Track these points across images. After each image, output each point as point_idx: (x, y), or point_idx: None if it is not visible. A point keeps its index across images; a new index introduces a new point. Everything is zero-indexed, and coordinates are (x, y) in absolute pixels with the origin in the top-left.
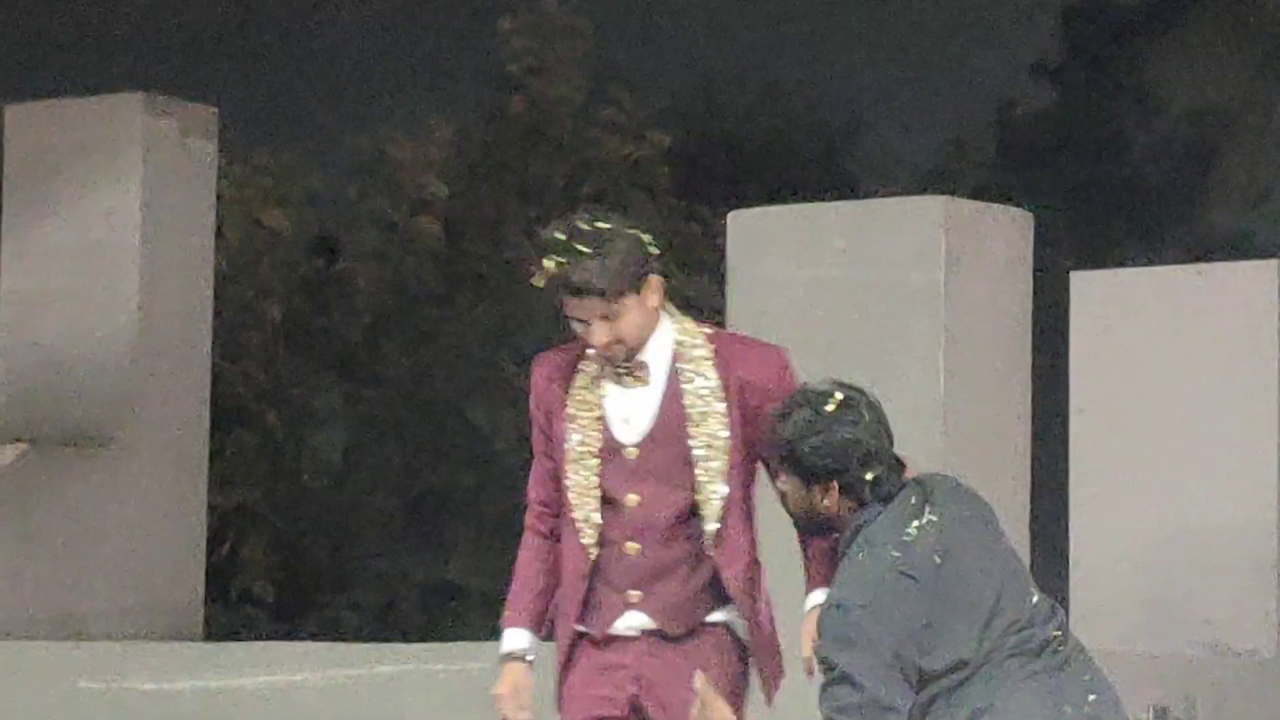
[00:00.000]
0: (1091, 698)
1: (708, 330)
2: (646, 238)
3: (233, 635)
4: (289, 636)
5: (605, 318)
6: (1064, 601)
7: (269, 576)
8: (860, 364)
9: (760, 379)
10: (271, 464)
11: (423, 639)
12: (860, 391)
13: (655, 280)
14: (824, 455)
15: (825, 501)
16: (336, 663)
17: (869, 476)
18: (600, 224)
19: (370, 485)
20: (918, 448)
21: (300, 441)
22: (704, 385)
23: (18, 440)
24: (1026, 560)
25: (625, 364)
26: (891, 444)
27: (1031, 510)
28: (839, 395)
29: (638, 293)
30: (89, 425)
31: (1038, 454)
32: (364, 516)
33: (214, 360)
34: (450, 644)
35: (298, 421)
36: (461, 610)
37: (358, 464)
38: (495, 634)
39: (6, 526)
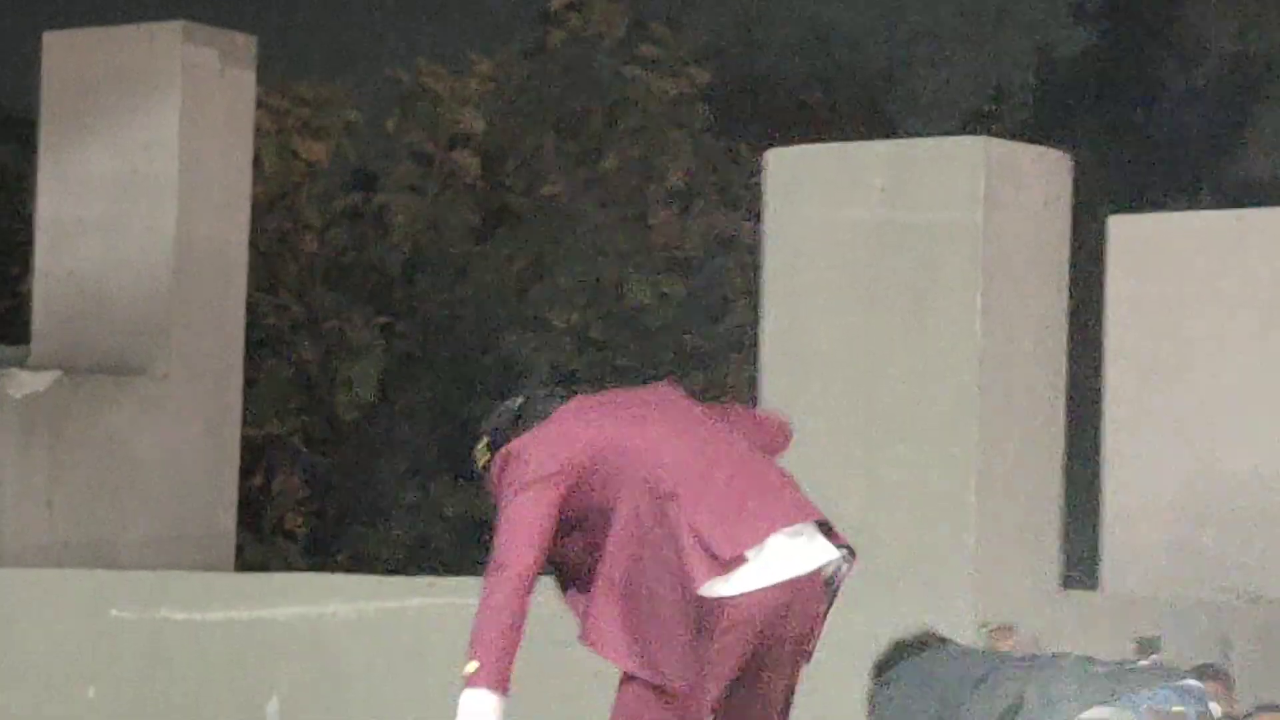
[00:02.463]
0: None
1: None
2: (480, 459)
3: (264, 567)
4: (321, 569)
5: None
6: (1096, 547)
7: (301, 509)
8: (896, 304)
9: None
10: (305, 396)
11: (454, 572)
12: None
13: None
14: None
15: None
16: (367, 595)
17: None
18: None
19: (403, 419)
20: (952, 389)
21: (334, 374)
22: None
23: (53, 368)
24: (1061, 507)
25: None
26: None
27: (1065, 455)
28: None
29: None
30: (124, 354)
31: (1072, 399)
32: (397, 450)
33: (249, 291)
34: (481, 578)
35: (332, 354)
36: (488, 543)
37: (391, 397)
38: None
39: (40, 454)
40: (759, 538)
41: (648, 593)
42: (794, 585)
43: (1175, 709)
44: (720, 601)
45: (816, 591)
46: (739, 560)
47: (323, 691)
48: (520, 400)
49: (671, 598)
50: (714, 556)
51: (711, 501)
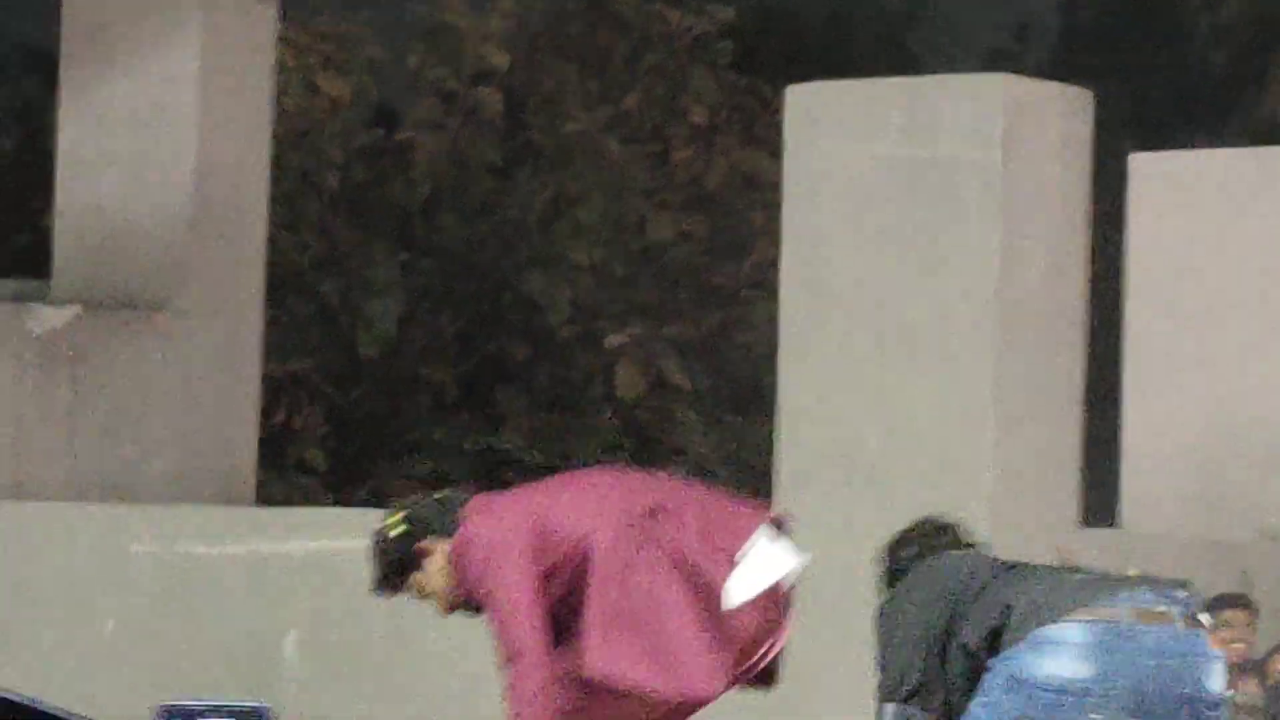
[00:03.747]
0: None
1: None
2: (394, 531)
3: (285, 503)
4: (341, 504)
5: (419, 597)
6: (1116, 486)
7: (322, 445)
8: (915, 241)
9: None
10: (326, 333)
11: None
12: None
13: (423, 546)
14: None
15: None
16: None
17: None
18: (375, 536)
19: (424, 355)
20: (970, 327)
21: (355, 311)
22: None
23: (74, 303)
24: (1080, 445)
25: (480, 612)
26: None
27: (1084, 393)
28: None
29: (418, 569)
30: (144, 290)
31: (1092, 337)
32: (417, 386)
33: (270, 227)
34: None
35: (353, 290)
36: (513, 480)
37: (412, 334)
38: None
39: (60, 389)
40: (747, 536)
41: (650, 610)
42: (774, 592)
43: (1159, 609)
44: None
45: (781, 600)
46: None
47: (341, 626)
48: (446, 494)
49: (683, 602)
50: (722, 550)
51: (696, 509)
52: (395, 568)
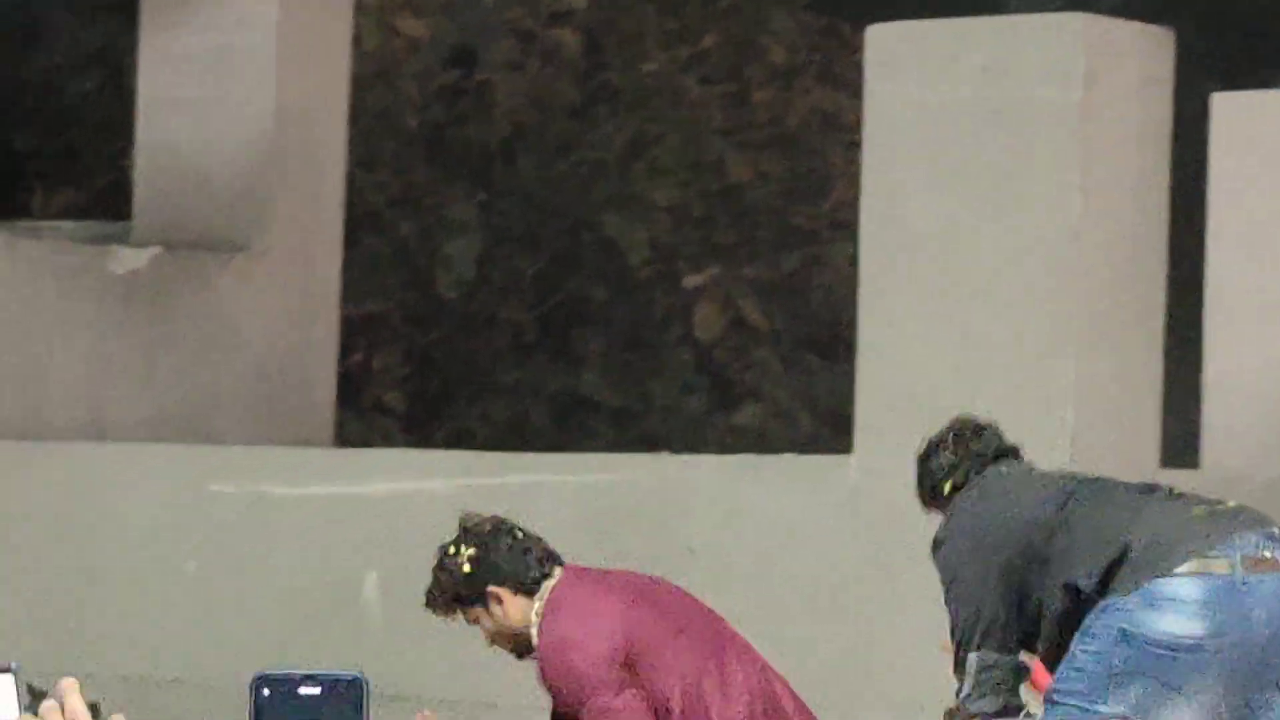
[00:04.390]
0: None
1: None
2: (467, 564)
3: (363, 443)
4: (419, 445)
5: (473, 622)
6: (1197, 424)
7: (400, 386)
8: (995, 184)
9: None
10: (404, 273)
11: (552, 449)
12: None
13: (493, 590)
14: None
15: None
16: (466, 472)
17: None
18: (443, 555)
19: (502, 296)
20: (1051, 270)
21: (433, 251)
22: None
23: (153, 244)
24: (1160, 383)
25: (521, 657)
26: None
27: (1166, 332)
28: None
29: (481, 605)
30: (223, 231)
31: (1172, 277)
32: (496, 327)
33: (348, 168)
34: (579, 455)
35: (431, 231)
36: (591, 422)
37: (490, 275)
38: (624, 446)
39: (140, 330)
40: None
41: None
42: None
43: (1265, 554)
44: None
45: None
46: None
47: (420, 568)
48: (524, 538)
49: None
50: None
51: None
52: (455, 599)
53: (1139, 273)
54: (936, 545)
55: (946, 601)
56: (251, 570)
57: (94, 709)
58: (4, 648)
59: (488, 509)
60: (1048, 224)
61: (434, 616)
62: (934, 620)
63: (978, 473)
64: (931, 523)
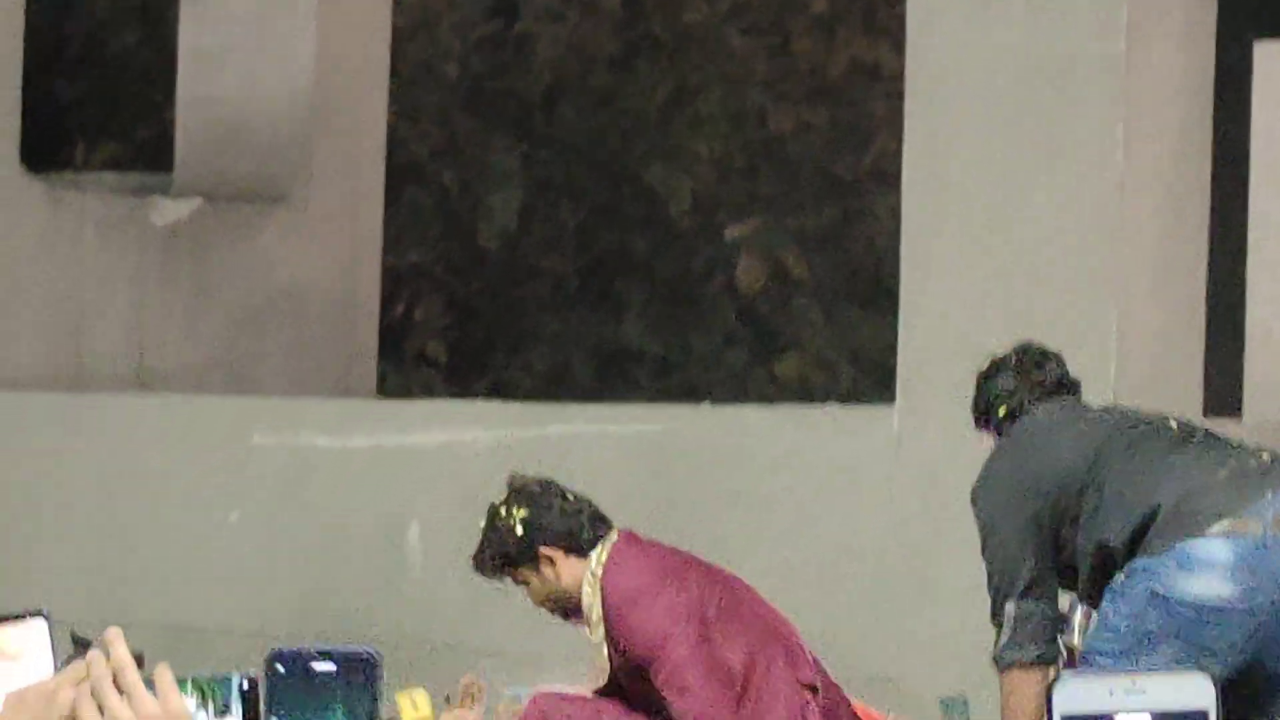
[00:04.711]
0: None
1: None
2: (519, 526)
3: (406, 394)
4: (461, 396)
5: (521, 583)
6: (1239, 371)
7: (442, 337)
8: (1037, 134)
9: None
10: (446, 224)
11: (593, 400)
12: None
13: (544, 552)
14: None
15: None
16: (508, 422)
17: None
18: (493, 516)
19: (544, 247)
20: (1092, 217)
21: (475, 202)
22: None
23: (195, 196)
24: (1203, 333)
25: (568, 618)
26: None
27: (1208, 282)
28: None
29: (531, 567)
30: (265, 182)
31: (1216, 226)
32: (537, 278)
33: (390, 118)
34: (621, 405)
35: (473, 182)
36: (632, 373)
37: (532, 226)
38: (665, 397)
39: (182, 281)
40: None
41: None
42: None
43: None
44: None
45: None
46: None
47: (463, 518)
48: (576, 502)
49: None
50: None
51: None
52: (505, 560)
53: (1181, 223)
54: (974, 497)
55: (983, 552)
56: (294, 521)
57: (138, 659)
58: (49, 598)
59: (529, 460)
60: (1090, 174)
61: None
62: (976, 568)
63: (1033, 402)
64: (972, 472)
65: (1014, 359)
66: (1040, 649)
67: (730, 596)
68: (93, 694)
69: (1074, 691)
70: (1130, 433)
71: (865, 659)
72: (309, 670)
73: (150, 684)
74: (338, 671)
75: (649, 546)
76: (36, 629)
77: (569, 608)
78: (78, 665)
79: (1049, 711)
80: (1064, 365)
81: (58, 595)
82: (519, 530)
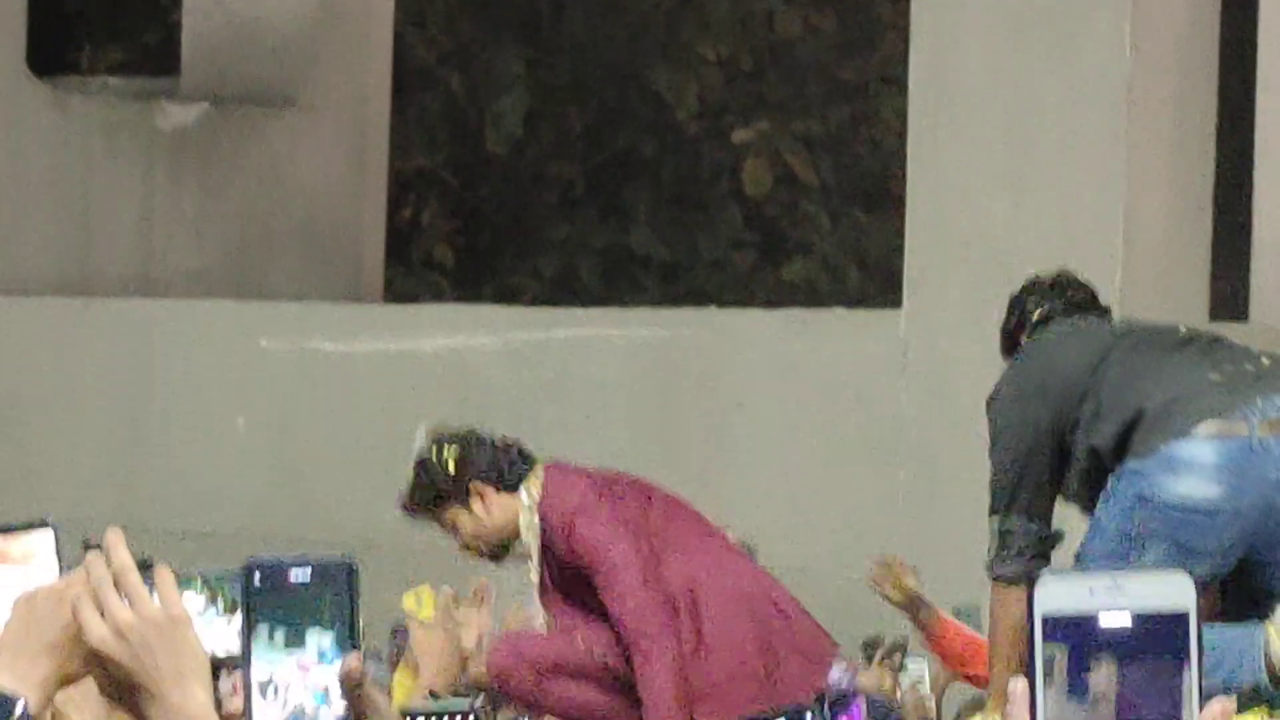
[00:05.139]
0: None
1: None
2: (451, 463)
3: (413, 299)
4: (468, 300)
5: (449, 525)
6: (1245, 275)
7: (449, 241)
8: (1045, 34)
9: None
10: (453, 129)
11: (600, 304)
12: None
13: (476, 488)
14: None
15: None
16: (515, 326)
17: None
18: (422, 459)
19: (551, 152)
20: (1100, 119)
21: (482, 107)
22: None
23: (202, 100)
24: (1209, 237)
25: (495, 559)
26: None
27: (1215, 184)
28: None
29: (462, 504)
30: (272, 86)
31: (1222, 129)
32: (544, 183)
33: (396, 23)
34: (628, 310)
35: (480, 87)
36: (640, 277)
37: (539, 130)
38: (673, 301)
39: (190, 186)
40: None
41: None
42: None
43: None
44: None
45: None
46: None
47: (469, 421)
48: (505, 441)
49: None
50: None
51: None
52: (434, 497)
53: (1189, 126)
54: (988, 405)
55: (989, 458)
56: (301, 424)
57: (146, 564)
58: (57, 503)
59: (536, 364)
60: (1098, 77)
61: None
62: (983, 470)
63: (1062, 314)
64: (979, 375)
65: (1049, 279)
66: (1023, 566)
67: (664, 510)
68: (94, 597)
69: (1055, 591)
70: (1133, 338)
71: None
72: (286, 579)
73: (152, 586)
74: (315, 580)
75: (578, 470)
76: (43, 538)
77: (496, 547)
78: (87, 566)
79: (1030, 611)
80: (1096, 295)
81: (66, 500)
82: (451, 468)
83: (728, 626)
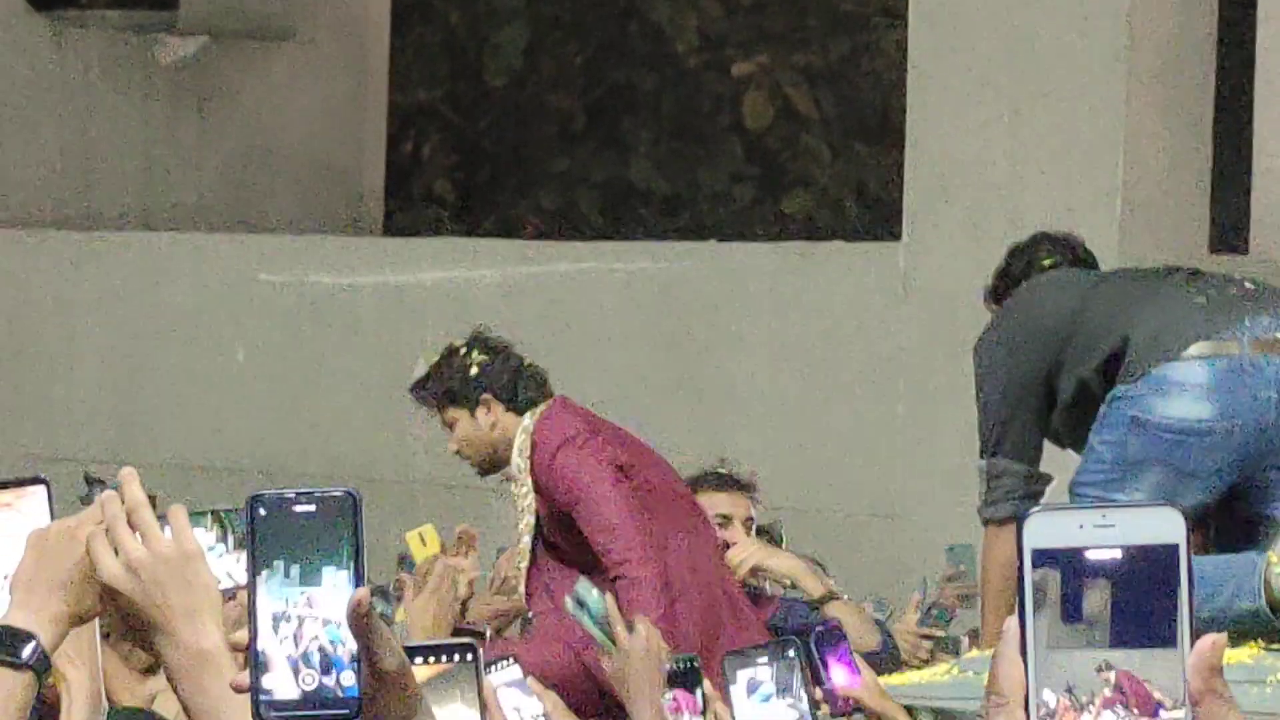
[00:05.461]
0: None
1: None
2: (474, 367)
3: (413, 232)
4: (468, 234)
5: (449, 423)
6: (1246, 206)
7: (449, 175)
8: None
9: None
10: (453, 62)
11: (600, 238)
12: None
13: (486, 398)
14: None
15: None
16: (515, 260)
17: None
18: (450, 353)
19: (551, 85)
20: (1100, 49)
21: (482, 40)
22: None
23: (200, 33)
24: (1209, 166)
25: (483, 473)
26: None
27: (1215, 117)
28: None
29: (467, 409)
30: (271, 18)
31: (1223, 60)
32: (544, 116)
33: None
34: (628, 243)
35: (479, 20)
36: (640, 210)
37: (539, 63)
38: (672, 234)
39: (188, 119)
40: None
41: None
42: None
43: (1277, 335)
44: None
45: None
46: None
47: None
48: (527, 366)
49: None
50: None
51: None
52: (445, 391)
53: (1189, 57)
54: (976, 347)
55: (976, 402)
56: (300, 359)
57: (150, 501)
58: (57, 437)
59: (536, 297)
60: (1097, 8)
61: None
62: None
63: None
64: (978, 308)
65: (1058, 235)
66: (1013, 507)
67: (652, 470)
68: (107, 534)
69: (1043, 526)
70: (1115, 277)
71: (869, 497)
72: (290, 512)
73: (165, 523)
74: (319, 512)
75: (581, 409)
76: (38, 495)
77: (485, 461)
78: (100, 503)
79: (1019, 546)
80: (1078, 249)
81: (66, 432)
82: (474, 370)
83: (681, 623)
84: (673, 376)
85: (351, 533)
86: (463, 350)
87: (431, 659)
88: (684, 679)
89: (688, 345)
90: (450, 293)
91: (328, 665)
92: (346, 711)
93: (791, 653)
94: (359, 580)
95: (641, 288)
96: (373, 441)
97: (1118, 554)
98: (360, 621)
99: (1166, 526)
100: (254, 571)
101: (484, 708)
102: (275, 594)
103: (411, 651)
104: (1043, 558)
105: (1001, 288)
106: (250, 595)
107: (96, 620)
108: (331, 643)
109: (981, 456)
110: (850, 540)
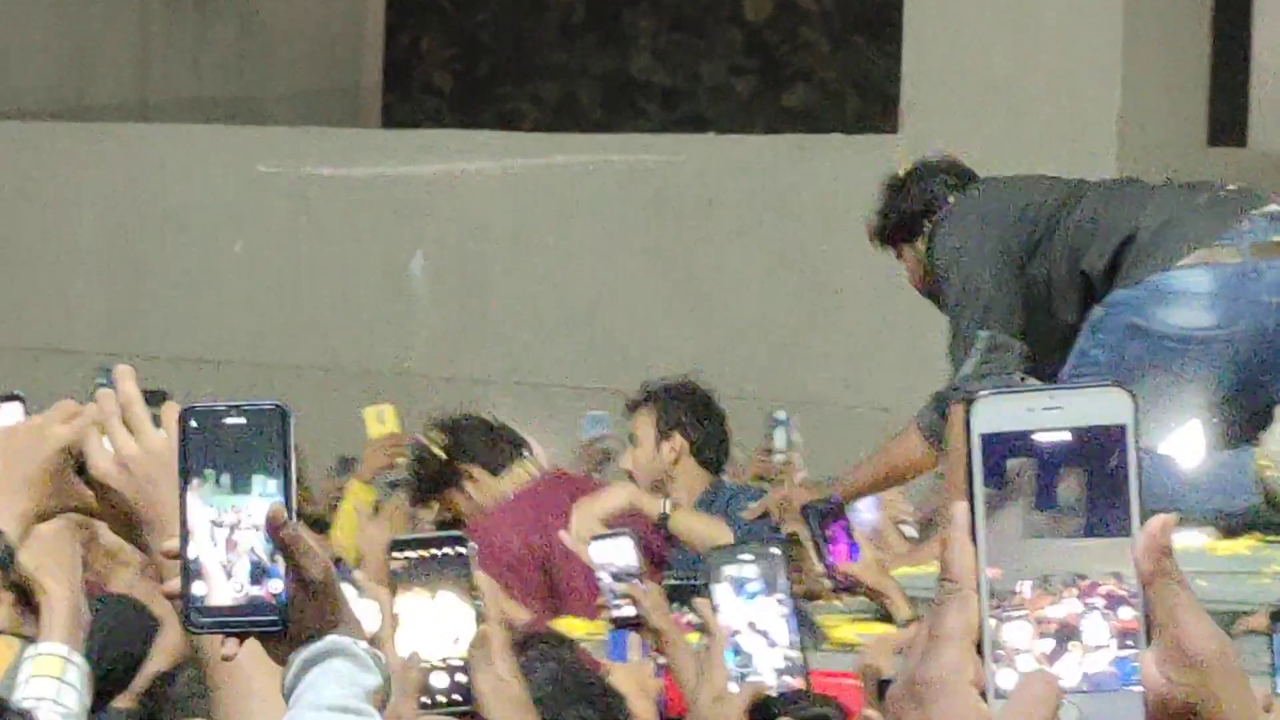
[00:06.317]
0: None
1: None
2: (433, 444)
3: (412, 125)
4: (467, 127)
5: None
6: (1245, 104)
7: (448, 67)
8: None
9: None
10: None
11: (599, 131)
12: None
13: (465, 469)
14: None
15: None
16: (514, 152)
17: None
18: (417, 451)
19: None
20: None
21: None
22: None
23: None
24: (1208, 59)
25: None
26: None
27: (1214, 10)
28: None
29: (457, 488)
30: None
31: None
32: (544, 8)
33: None
34: (627, 135)
35: None
36: (640, 103)
37: None
38: (672, 127)
39: (187, 11)
40: None
41: None
42: None
43: (1274, 239)
44: None
45: None
46: None
47: (466, 248)
48: (499, 425)
49: None
50: None
51: None
52: (430, 484)
53: None
54: (931, 249)
55: (947, 297)
56: (299, 250)
57: (160, 395)
58: (55, 329)
59: (535, 190)
60: None
61: (474, 287)
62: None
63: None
64: None
65: (940, 163)
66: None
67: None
68: (102, 430)
69: (992, 411)
70: (1105, 181)
71: (863, 391)
72: (221, 424)
73: (158, 420)
74: (249, 425)
75: (553, 489)
76: (12, 411)
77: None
78: (65, 403)
79: (967, 431)
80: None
81: (61, 325)
82: (435, 454)
83: None
84: (671, 268)
85: (282, 446)
86: (425, 438)
87: (421, 550)
88: (680, 594)
89: (687, 237)
90: (449, 185)
91: (260, 574)
92: (275, 618)
93: (776, 550)
94: (287, 491)
95: (641, 180)
96: (370, 334)
97: (1067, 436)
98: (278, 533)
99: (1114, 408)
100: (185, 481)
101: (478, 593)
102: (207, 501)
103: (402, 544)
104: (990, 442)
105: (895, 222)
106: (181, 503)
107: (76, 533)
108: (266, 553)
109: (981, 328)
110: (850, 432)
